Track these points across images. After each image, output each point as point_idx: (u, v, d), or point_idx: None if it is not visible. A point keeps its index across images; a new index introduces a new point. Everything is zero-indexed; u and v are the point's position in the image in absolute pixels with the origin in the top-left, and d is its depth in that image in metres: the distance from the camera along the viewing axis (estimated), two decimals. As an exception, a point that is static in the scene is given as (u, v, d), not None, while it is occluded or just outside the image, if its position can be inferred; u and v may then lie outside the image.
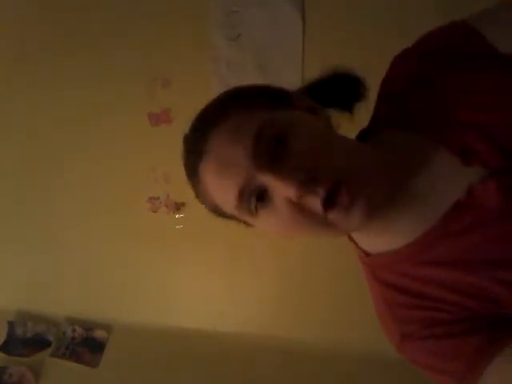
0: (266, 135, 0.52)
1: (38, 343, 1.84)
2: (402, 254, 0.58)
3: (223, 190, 0.55)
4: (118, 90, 1.70)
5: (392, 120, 0.64)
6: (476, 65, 0.60)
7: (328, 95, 0.67)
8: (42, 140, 1.77)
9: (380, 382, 1.71)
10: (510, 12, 0.62)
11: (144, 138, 1.71)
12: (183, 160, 0.61)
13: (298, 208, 0.51)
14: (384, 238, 0.60)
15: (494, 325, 0.52)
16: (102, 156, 1.75)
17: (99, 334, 1.84)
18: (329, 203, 0.50)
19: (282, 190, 0.51)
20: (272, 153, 0.52)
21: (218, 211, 0.60)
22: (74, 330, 1.84)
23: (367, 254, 0.63)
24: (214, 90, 1.64)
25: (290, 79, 1.63)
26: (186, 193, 0.63)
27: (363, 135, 0.66)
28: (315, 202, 0.50)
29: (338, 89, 0.68)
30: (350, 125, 0.68)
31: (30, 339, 1.85)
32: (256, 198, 0.53)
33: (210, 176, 0.55)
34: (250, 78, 1.65)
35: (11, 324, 1.85)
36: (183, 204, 1.71)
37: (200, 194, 0.60)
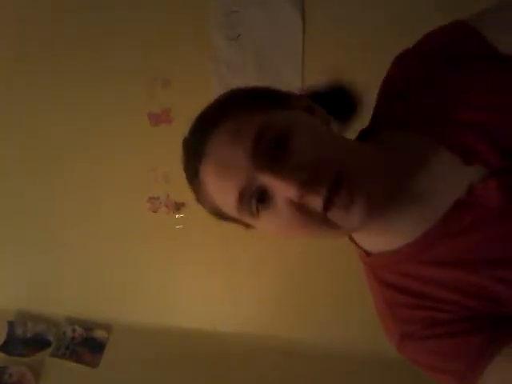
0: (265, 136, 0.52)
1: (38, 343, 1.84)
2: (402, 253, 0.58)
3: (224, 191, 0.54)
4: (118, 90, 1.70)
5: (392, 120, 0.64)
6: (476, 65, 0.60)
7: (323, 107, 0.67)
8: (42, 140, 1.77)
9: (380, 382, 1.71)
10: (510, 12, 0.62)
11: (144, 138, 1.71)
12: (183, 163, 0.61)
13: (300, 208, 0.51)
14: (384, 238, 0.60)
15: (494, 324, 0.52)
16: (102, 156, 1.75)
17: (99, 334, 1.84)
18: (329, 202, 0.50)
19: (282, 191, 0.51)
20: (272, 153, 0.52)
21: (219, 214, 0.60)
22: (73, 330, 1.84)
23: (368, 254, 0.63)
24: (214, 90, 1.64)
25: (290, 79, 1.63)
26: (186, 193, 0.63)
27: (363, 135, 0.66)
28: (316, 202, 0.50)
29: (333, 102, 0.68)
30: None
31: (30, 339, 1.85)
32: (257, 199, 0.53)
33: (210, 178, 0.55)
34: (250, 77, 1.65)
35: (11, 324, 1.85)
36: (183, 204, 1.70)
37: (201, 197, 0.60)
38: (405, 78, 0.65)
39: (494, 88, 0.57)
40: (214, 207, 0.59)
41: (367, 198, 0.51)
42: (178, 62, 1.66)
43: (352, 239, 0.66)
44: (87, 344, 1.84)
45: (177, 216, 1.74)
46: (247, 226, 0.61)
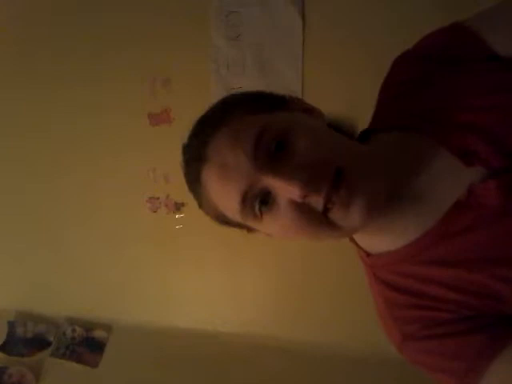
0: (265, 138, 0.52)
1: (37, 343, 1.84)
2: (402, 254, 0.58)
3: (226, 195, 0.54)
4: (118, 90, 1.70)
5: (392, 121, 0.64)
6: (475, 66, 0.60)
7: None
8: (42, 140, 1.77)
9: (380, 382, 1.71)
10: (507, 13, 0.62)
11: (144, 138, 1.71)
12: (183, 169, 0.61)
13: (302, 209, 0.51)
14: (385, 238, 0.60)
15: (495, 324, 0.52)
16: (102, 156, 1.75)
17: (99, 334, 1.84)
18: (329, 202, 0.50)
19: (285, 191, 0.51)
20: (273, 155, 0.52)
21: (221, 219, 0.60)
22: (73, 330, 1.84)
23: (368, 255, 0.63)
24: (214, 90, 1.65)
25: (290, 79, 1.63)
26: (186, 193, 0.63)
27: (363, 136, 0.66)
28: (318, 200, 0.50)
29: None
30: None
31: (30, 339, 1.85)
32: (259, 201, 0.53)
33: (212, 182, 0.55)
34: (250, 77, 1.66)
35: (11, 324, 1.85)
36: (183, 204, 1.71)
37: (203, 203, 0.60)
38: (404, 80, 0.66)
39: (493, 89, 0.58)
40: (216, 212, 0.59)
41: (367, 197, 0.51)
42: (178, 62, 1.66)
43: (352, 240, 0.66)
44: (87, 344, 1.84)
45: (177, 216, 1.74)
46: (251, 230, 0.61)
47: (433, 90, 0.62)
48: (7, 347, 1.83)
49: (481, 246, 0.53)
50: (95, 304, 1.84)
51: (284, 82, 1.63)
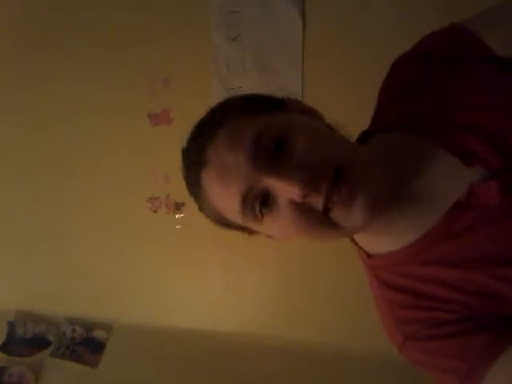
0: (264, 139, 0.52)
1: (37, 343, 1.84)
2: (403, 254, 0.58)
3: (226, 196, 0.54)
4: (117, 90, 1.70)
5: (392, 122, 0.64)
6: (474, 67, 0.60)
7: None
8: (42, 140, 1.77)
9: (380, 382, 1.71)
10: (506, 14, 0.62)
11: (144, 138, 1.71)
12: (183, 173, 0.61)
13: (303, 209, 0.51)
14: (385, 239, 0.61)
15: (497, 324, 0.52)
16: (102, 156, 1.75)
17: (99, 334, 1.84)
18: (330, 201, 0.50)
19: (285, 191, 0.51)
20: (272, 155, 0.52)
21: (222, 221, 0.60)
22: (73, 330, 1.84)
23: (369, 255, 0.63)
24: (214, 89, 1.65)
25: (290, 79, 1.63)
26: (186, 193, 0.63)
27: (363, 137, 0.66)
28: (318, 199, 0.50)
29: None
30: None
31: (30, 339, 1.85)
32: (260, 202, 0.53)
33: (212, 184, 0.55)
34: (250, 77, 1.66)
35: (11, 324, 1.85)
36: (183, 204, 1.71)
37: (204, 206, 0.60)
38: (404, 80, 0.66)
39: (492, 89, 0.58)
40: (217, 215, 0.59)
41: (368, 197, 0.51)
42: (178, 62, 1.66)
43: (353, 240, 0.66)
44: (87, 344, 1.84)
45: (177, 216, 1.74)
46: (252, 232, 0.61)
47: (432, 91, 0.62)
48: (7, 347, 1.83)
49: (481, 246, 0.53)
50: (95, 304, 1.84)
51: (284, 82, 1.63)
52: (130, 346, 1.83)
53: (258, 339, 1.78)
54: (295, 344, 1.75)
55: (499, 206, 0.52)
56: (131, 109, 1.70)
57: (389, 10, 1.53)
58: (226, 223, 0.60)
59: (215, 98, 1.63)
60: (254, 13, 1.63)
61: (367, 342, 1.50)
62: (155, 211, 1.76)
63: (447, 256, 0.55)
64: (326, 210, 0.51)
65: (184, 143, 0.61)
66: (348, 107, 1.33)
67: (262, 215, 0.53)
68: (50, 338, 1.85)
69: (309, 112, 0.61)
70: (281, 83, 1.64)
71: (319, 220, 0.52)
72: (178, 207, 1.73)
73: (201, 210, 0.62)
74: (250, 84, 1.65)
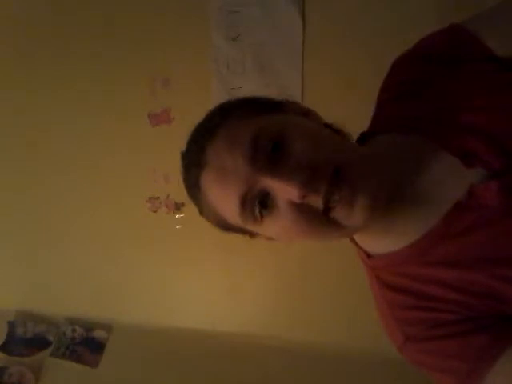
0: (262, 140, 0.52)
1: (37, 343, 1.84)
2: (403, 255, 0.58)
3: (226, 198, 0.54)
4: (117, 90, 1.70)
5: (392, 122, 0.64)
6: (474, 67, 0.60)
7: None
8: (42, 140, 1.77)
9: (380, 382, 1.71)
10: (506, 14, 0.62)
11: (144, 138, 1.71)
12: (183, 176, 0.61)
13: (302, 209, 0.51)
14: (386, 240, 0.60)
15: (497, 324, 0.52)
16: (102, 156, 1.75)
17: (99, 333, 1.84)
18: (330, 201, 0.50)
19: (284, 192, 0.51)
20: (270, 156, 0.52)
21: (222, 224, 0.60)
22: (74, 330, 1.84)
23: (369, 256, 0.63)
24: (214, 89, 1.65)
25: (290, 79, 1.63)
26: (186, 193, 0.63)
27: (363, 138, 0.66)
28: (317, 199, 0.50)
29: None
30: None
31: (30, 339, 1.85)
32: (259, 203, 0.53)
33: (211, 187, 0.55)
34: (250, 77, 1.65)
35: (11, 324, 1.85)
36: (183, 204, 1.70)
37: (204, 209, 0.60)
38: (404, 80, 0.66)
39: (492, 90, 0.58)
40: (217, 218, 0.59)
41: (369, 196, 0.51)
42: (178, 61, 1.66)
43: (353, 241, 0.66)
44: (87, 344, 1.84)
45: (177, 216, 1.74)
46: (252, 235, 0.61)
47: (432, 91, 0.62)
48: (7, 347, 1.83)
49: (481, 247, 0.53)
50: (95, 304, 1.84)
51: (284, 82, 1.63)
52: (130, 346, 1.83)
53: (257, 339, 1.78)
54: (295, 344, 1.75)
55: (499, 206, 0.52)
56: (131, 109, 1.70)
57: (389, 10, 1.53)
58: (226, 226, 0.60)
59: (215, 98, 1.63)
60: (254, 13, 1.63)
61: (367, 342, 1.49)
62: (155, 211, 1.76)
63: (447, 256, 0.55)
64: (327, 209, 0.51)
65: (183, 146, 0.61)
66: (348, 107, 1.33)
67: (262, 217, 0.53)
68: (50, 338, 1.85)
69: (307, 113, 0.61)
70: (281, 83, 1.64)
71: (319, 220, 0.52)
72: (178, 207, 1.73)
73: (201, 213, 0.62)
74: (250, 84, 1.65)
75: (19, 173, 1.81)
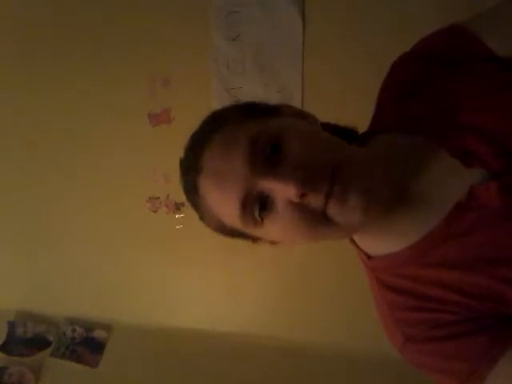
0: (260, 142, 0.52)
1: (37, 343, 1.84)
2: (404, 256, 0.58)
3: (225, 202, 0.54)
4: (117, 90, 1.70)
5: (392, 122, 0.64)
6: (475, 68, 0.60)
7: None
8: (42, 140, 1.77)
9: (380, 382, 1.71)
10: (507, 14, 0.62)
11: (144, 138, 1.71)
12: (181, 182, 0.61)
13: (301, 209, 0.51)
14: (386, 241, 0.60)
15: (497, 325, 0.52)
16: (102, 156, 1.75)
17: (99, 333, 1.84)
18: (327, 198, 0.50)
19: (282, 192, 0.51)
20: (268, 158, 0.52)
21: (223, 229, 0.60)
22: (73, 330, 1.84)
23: (369, 257, 0.63)
24: (214, 89, 1.65)
25: (290, 79, 1.63)
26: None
27: (363, 139, 0.66)
28: (317, 199, 0.50)
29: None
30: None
31: (30, 339, 1.85)
32: (259, 205, 0.53)
33: (210, 191, 0.55)
34: (250, 77, 1.66)
35: (11, 324, 1.85)
36: (183, 204, 1.70)
37: (203, 214, 0.60)
38: (404, 80, 0.66)
39: (493, 90, 0.58)
40: (218, 223, 0.59)
41: (363, 195, 0.50)
42: (178, 62, 1.66)
43: (353, 242, 0.66)
44: (87, 344, 1.84)
45: (177, 216, 1.74)
46: (254, 239, 0.61)
47: (433, 91, 0.62)
48: (7, 347, 1.83)
49: (482, 247, 0.53)
50: (95, 304, 1.84)
51: (284, 82, 1.63)
52: (130, 346, 1.83)
53: (257, 339, 1.78)
54: (295, 344, 1.75)
55: (499, 207, 0.52)
56: (131, 109, 1.70)
57: (389, 10, 1.53)
58: (227, 231, 0.60)
59: (215, 98, 1.63)
60: (254, 13, 1.63)
61: (367, 342, 1.49)
62: (155, 211, 1.76)
63: (447, 257, 0.55)
64: (324, 205, 0.51)
65: (183, 146, 0.61)
66: (348, 107, 1.33)
67: (262, 219, 0.53)
68: (50, 338, 1.85)
69: (303, 116, 0.62)
70: (281, 83, 1.64)
71: (317, 219, 0.52)
72: (178, 207, 1.73)
73: (201, 219, 0.61)
74: (249, 84, 1.65)
75: (19, 173, 1.81)
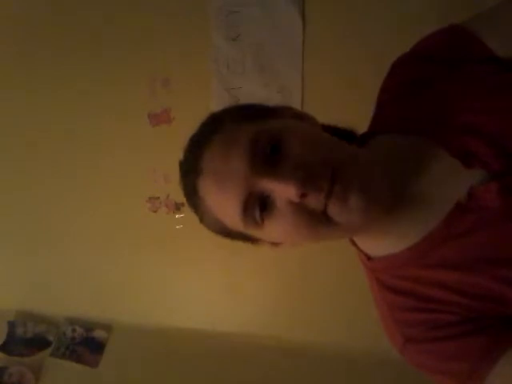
0: (260, 143, 0.52)
1: (37, 343, 1.84)
2: (404, 257, 0.58)
3: (226, 203, 0.54)
4: (117, 90, 1.70)
5: (392, 123, 0.64)
6: (474, 68, 0.60)
7: None
8: (42, 140, 1.77)
9: (380, 382, 1.71)
10: (507, 14, 0.62)
11: (144, 138, 1.71)
12: (181, 185, 0.61)
13: (301, 208, 0.51)
14: (386, 242, 0.60)
15: (498, 325, 0.52)
16: (101, 156, 1.75)
17: (99, 333, 1.84)
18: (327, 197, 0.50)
19: (282, 192, 0.51)
20: (268, 159, 0.52)
21: (223, 231, 0.60)
22: (73, 330, 1.84)
23: (369, 258, 0.63)
24: (214, 89, 1.64)
25: (290, 79, 1.63)
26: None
27: (363, 139, 0.66)
28: (317, 199, 0.50)
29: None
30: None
31: (30, 339, 1.85)
32: (259, 206, 0.53)
33: (210, 192, 0.55)
34: (250, 77, 1.66)
35: (11, 324, 1.85)
36: (183, 204, 1.70)
37: (203, 216, 0.60)
38: (404, 81, 0.66)
39: (493, 90, 0.58)
40: (218, 225, 0.58)
41: (365, 194, 0.50)
42: (178, 62, 1.66)
43: (353, 243, 0.66)
44: (87, 344, 1.84)
45: (177, 216, 1.74)
46: (255, 241, 0.61)
47: (433, 92, 0.62)
48: (7, 347, 1.83)
49: (482, 248, 0.53)
50: (95, 304, 1.84)
51: (284, 82, 1.63)
52: (130, 346, 1.83)
53: (257, 339, 1.78)
54: (295, 344, 1.75)
55: (499, 207, 0.52)
56: (131, 109, 1.70)
57: (389, 10, 1.53)
58: (227, 233, 0.59)
59: (215, 98, 1.63)
60: (254, 13, 1.63)
61: (367, 342, 1.50)
62: (155, 211, 1.76)
63: (447, 258, 0.55)
64: (324, 208, 0.51)
65: (183, 146, 0.61)
66: (348, 107, 1.33)
67: (263, 219, 0.53)
68: (50, 338, 1.85)
69: (302, 117, 0.62)
70: (281, 83, 1.64)
71: (317, 219, 0.52)
72: (178, 207, 1.73)
73: (201, 221, 0.61)
74: (249, 84, 1.65)
75: (19, 173, 1.81)
